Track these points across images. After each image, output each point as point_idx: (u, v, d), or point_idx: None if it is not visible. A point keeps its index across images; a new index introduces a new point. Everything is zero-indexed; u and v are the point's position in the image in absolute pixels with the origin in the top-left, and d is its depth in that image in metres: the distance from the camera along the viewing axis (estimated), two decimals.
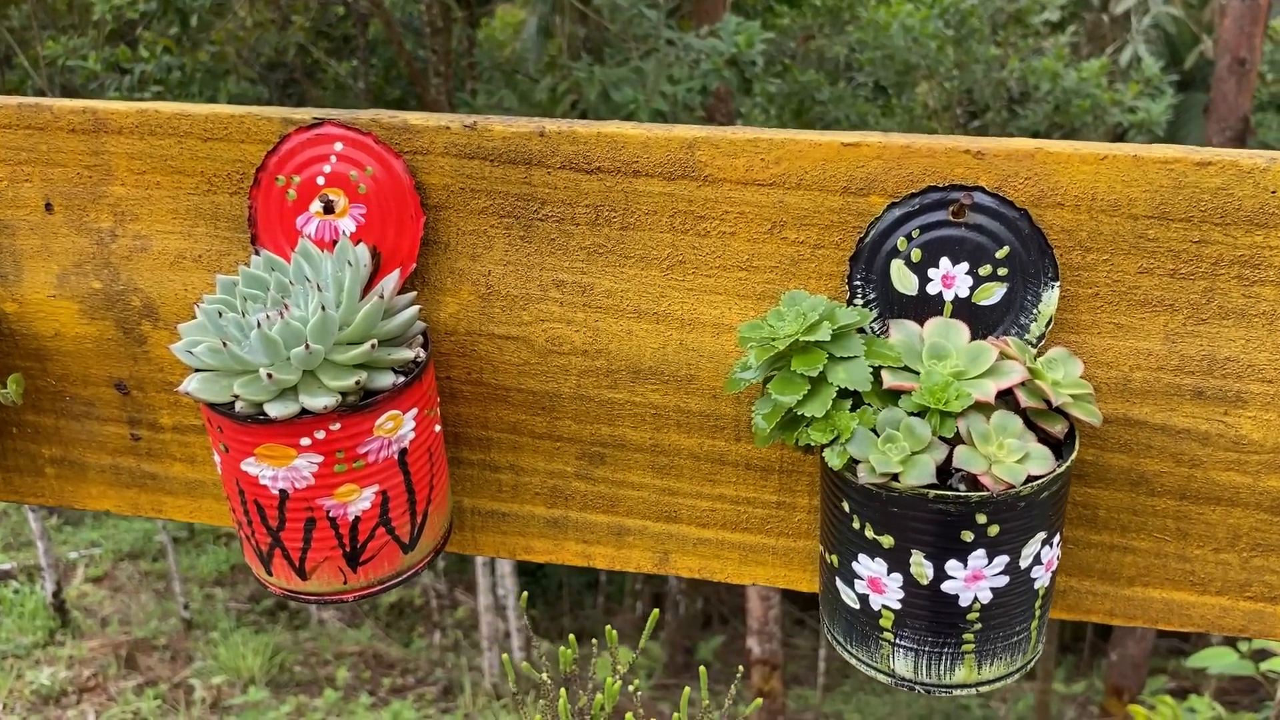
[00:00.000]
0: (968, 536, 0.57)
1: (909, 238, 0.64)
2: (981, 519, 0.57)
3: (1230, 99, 5.62)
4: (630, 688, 0.95)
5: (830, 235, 0.66)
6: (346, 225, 0.70)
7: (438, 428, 0.70)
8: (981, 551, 0.58)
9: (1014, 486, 0.56)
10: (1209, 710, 2.81)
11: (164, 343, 0.77)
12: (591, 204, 0.69)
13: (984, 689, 0.62)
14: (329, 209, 0.71)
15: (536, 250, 0.70)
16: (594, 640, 0.97)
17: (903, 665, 0.62)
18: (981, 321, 0.65)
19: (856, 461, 0.58)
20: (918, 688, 0.62)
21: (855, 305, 0.66)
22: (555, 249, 0.70)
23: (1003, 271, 0.64)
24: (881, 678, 0.63)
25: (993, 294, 0.64)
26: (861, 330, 0.64)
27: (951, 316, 0.65)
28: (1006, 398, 0.61)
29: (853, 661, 0.64)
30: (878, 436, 0.58)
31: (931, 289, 0.65)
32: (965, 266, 0.64)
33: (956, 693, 0.62)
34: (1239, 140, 5.63)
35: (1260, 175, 0.61)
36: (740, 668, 1.03)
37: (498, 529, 0.79)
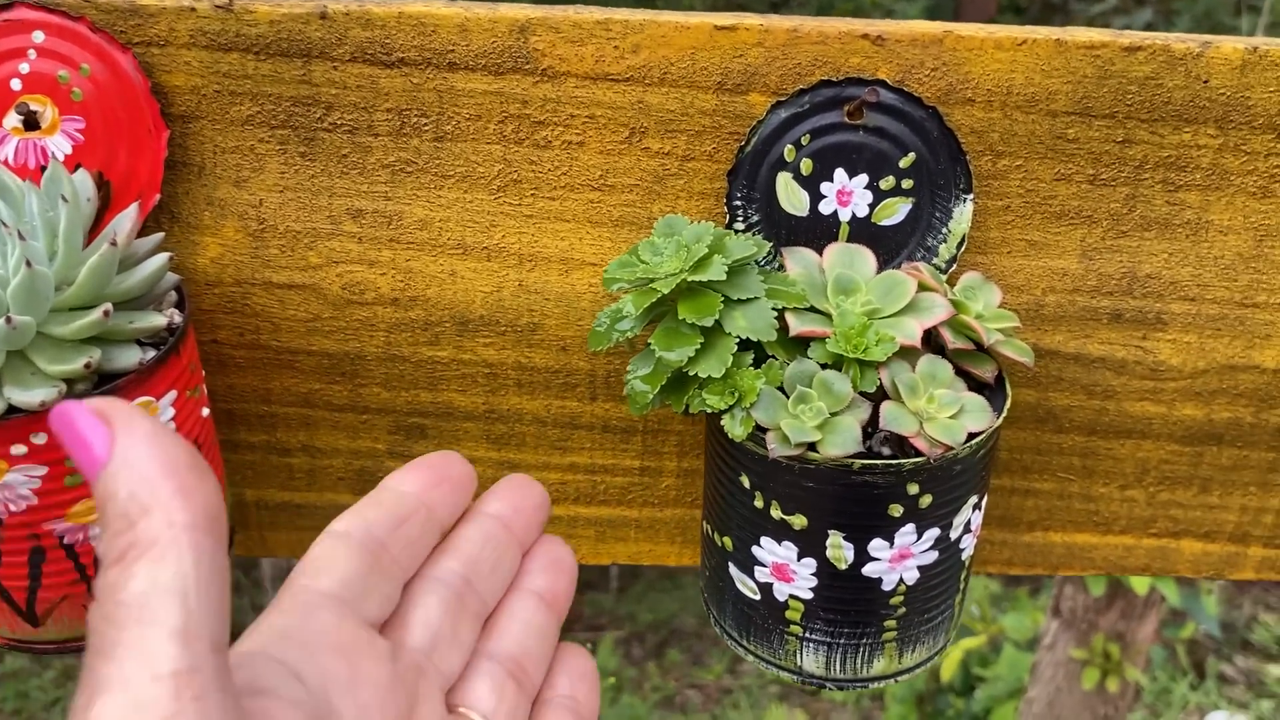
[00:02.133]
0: (896, 511, 0.47)
1: (797, 145, 0.52)
2: (913, 489, 0.47)
3: (978, 0, 5.83)
4: None
5: (702, 144, 0.54)
6: (59, 145, 0.52)
7: (205, 411, 0.53)
8: (910, 527, 0.48)
9: (952, 448, 0.46)
10: (983, 589, 2.97)
11: None
12: (394, 108, 0.53)
13: (901, 678, 0.53)
14: (31, 123, 0.52)
15: (323, 171, 0.54)
16: None
17: (812, 661, 0.52)
18: (883, 244, 0.54)
19: (763, 430, 0.46)
20: (829, 684, 0.52)
21: (737, 230, 0.53)
22: (349, 168, 0.54)
23: (907, 184, 0.53)
24: (786, 676, 0.53)
25: (896, 211, 0.54)
26: (757, 264, 0.52)
27: (849, 240, 0.54)
28: (927, 339, 0.50)
29: (750, 659, 0.54)
30: (787, 397, 0.47)
31: (825, 207, 0.54)
32: (864, 179, 0.53)
33: (871, 686, 0.52)
34: None
35: (1193, 63, 0.52)
36: None
37: (292, 524, 0.63)
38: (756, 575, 0.51)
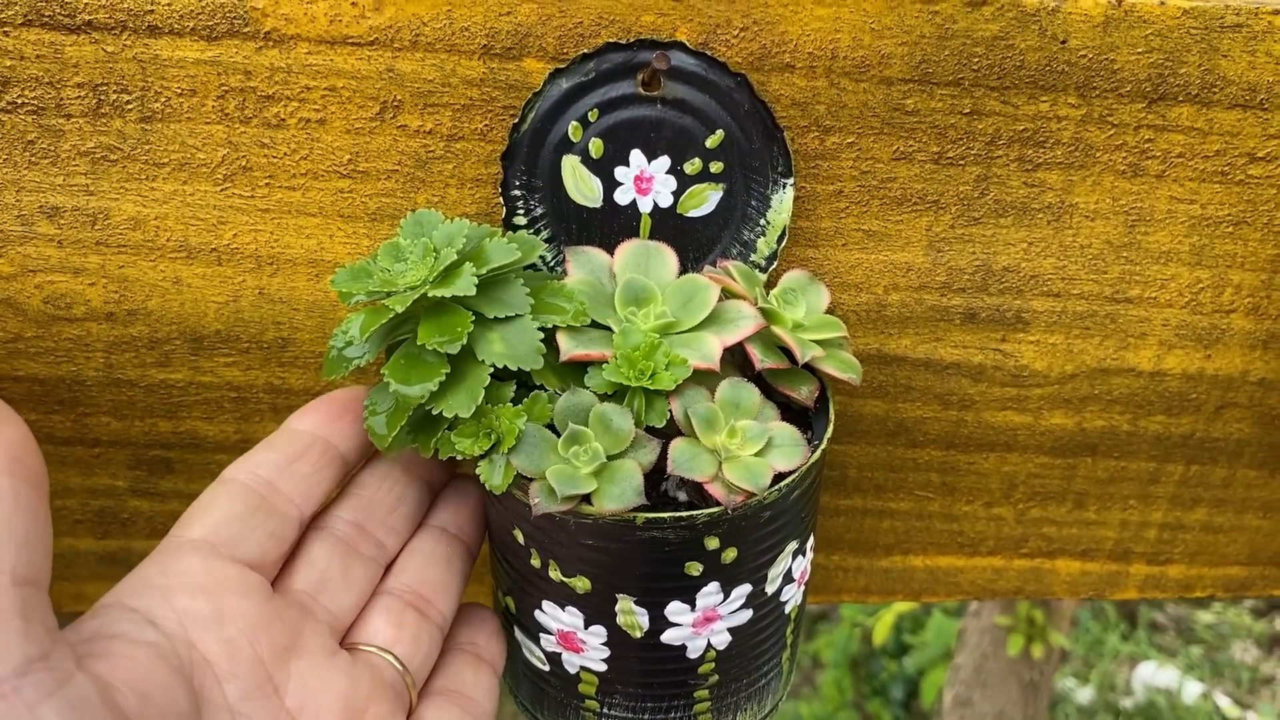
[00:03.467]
0: (694, 569, 0.39)
1: (584, 122, 0.43)
2: (712, 544, 0.38)
3: None
4: None
5: (471, 121, 0.44)
6: None
7: None
8: (714, 586, 0.39)
9: (755, 494, 0.38)
10: None
11: None
12: (87, 82, 0.43)
13: None
14: None
15: (6, 160, 0.44)
16: None
17: None
18: (692, 239, 0.46)
19: (528, 479, 0.38)
20: None
21: (517, 225, 0.44)
22: (38, 157, 0.44)
23: (716, 167, 0.45)
24: None
25: (705, 200, 0.45)
26: (533, 267, 0.43)
27: (651, 235, 0.45)
28: (733, 354, 0.42)
29: None
30: (558, 436, 0.38)
31: (621, 196, 0.45)
32: (665, 162, 0.44)
33: None
34: None
35: (1047, 20, 0.44)
36: None
37: None
38: (543, 644, 0.43)
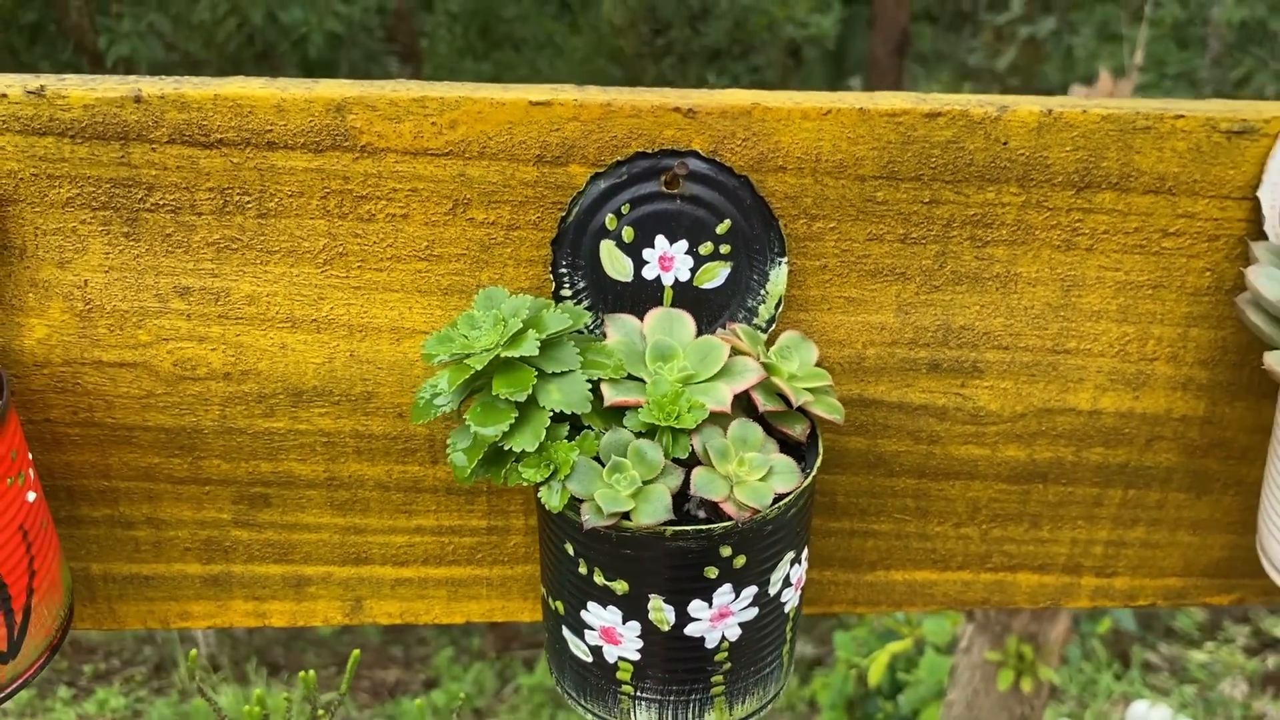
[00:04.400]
0: (711, 573, 0.49)
1: (618, 214, 0.54)
2: (726, 552, 0.48)
3: (890, 11, 5.95)
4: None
5: (526, 214, 0.55)
6: None
7: (32, 495, 0.53)
8: (728, 587, 0.49)
9: (759, 510, 0.48)
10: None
11: None
12: (216, 187, 0.53)
13: None
14: None
15: (148, 250, 0.54)
16: None
17: (646, 718, 0.53)
18: (706, 307, 0.56)
19: (579, 500, 0.48)
20: None
21: (564, 296, 0.55)
22: (173, 247, 0.54)
23: (725, 249, 0.55)
24: None
25: (716, 275, 0.55)
26: (580, 332, 0.53)
27: (673, 304, 0.56)
28: (740, 399, 0.52)
29: (589, 719, 0.55)
30: (603, 466, 0.48)
31: (648, 273, 0.55)
32: (684, 245, 0.55)
33: None
34: (900, 51, 6.00)
35: (991, 126, 0.55)
36: None
37: (141, 595, 0.63)
38: (587, 638, 0.52)
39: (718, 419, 0.50)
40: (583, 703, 0.55)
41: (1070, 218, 0.57)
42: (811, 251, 0.57)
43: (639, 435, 0.49)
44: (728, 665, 0.52)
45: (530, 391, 0.47)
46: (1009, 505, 0.65)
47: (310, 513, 0.61)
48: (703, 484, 0.48)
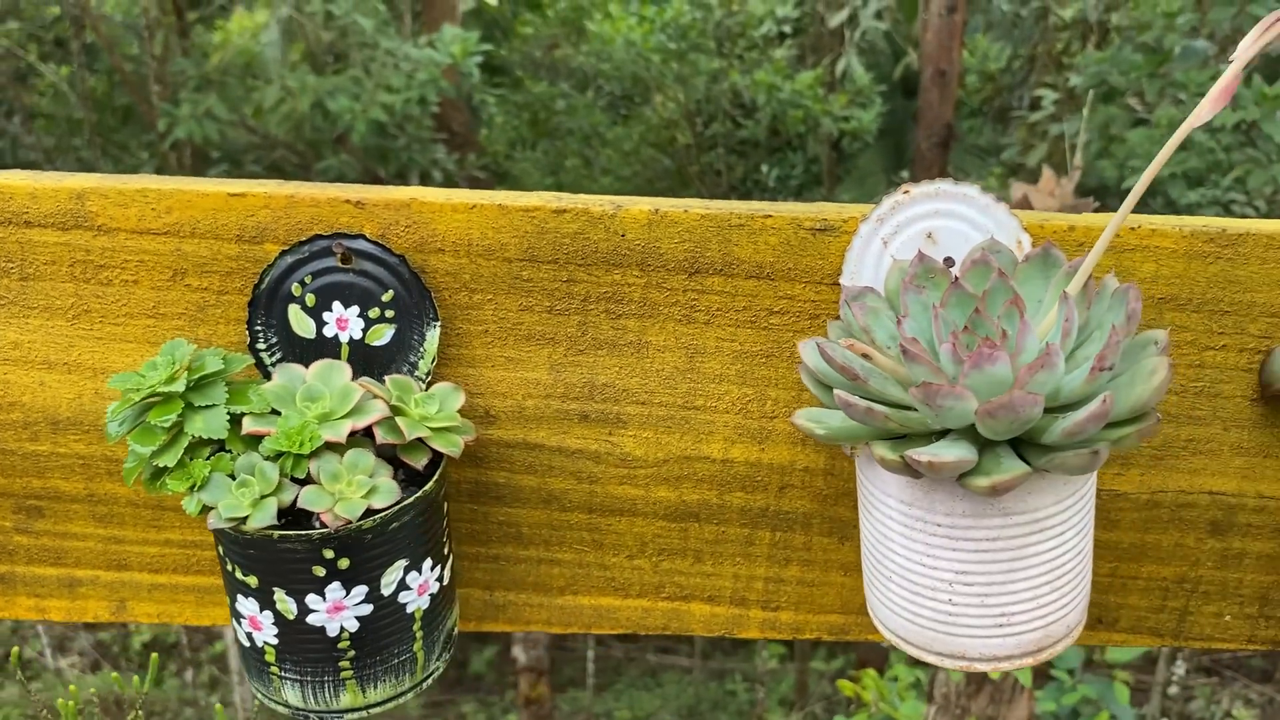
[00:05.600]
0: (319, 571, 0.60)
1: (303, 283, 0.67)
2: (329, 554, 0.60)
3: (934, 107, 6.09)
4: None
5: (232, 281, 0.68)
6: None
7: None
8: (337, 584, 0.61)
9: (351, 521, 0.59)
10: (909, 675, 3.06)
11: None
12: None
13: (374, 710, 0.65)
14: None
15: None
16: None
17: (293, 695, 0.64)
18: (376, 361, 0.68)
19: (211, 507, 0.60)
20: (311, 715, 0.64)
21: (259, 349, 0.68)
22: None
23: (390, 314, 0.68)
24: (280, 709, 0.65)
25: (383, 335, 0.68)
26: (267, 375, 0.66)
27: (349, 358, 0.68)
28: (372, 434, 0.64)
29: (259, 697, 0.66)
30: (234, 481, 0.60)
31: (328, 331, 0.68)
32: (356, 310, 0.68)
33: (347, 717, 0.65)
34: (944, 145, 6.11)
35: (609, 221, 0.67)
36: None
37: None
38: (243, 626, 0.64)
39: (337, 448, 0.62)
40: (252, 683, 0.66)
41: (687, 296, 0.69)
42: (474, 318, 0.69)
43: (267, 459, 0.61)
44: (353, 652, 0.63)
45: (176, 418, 0.60)
46: (672, 540, 0.75)
47: (77, 523, 0.74)
48: (310, 498, 0.60)
